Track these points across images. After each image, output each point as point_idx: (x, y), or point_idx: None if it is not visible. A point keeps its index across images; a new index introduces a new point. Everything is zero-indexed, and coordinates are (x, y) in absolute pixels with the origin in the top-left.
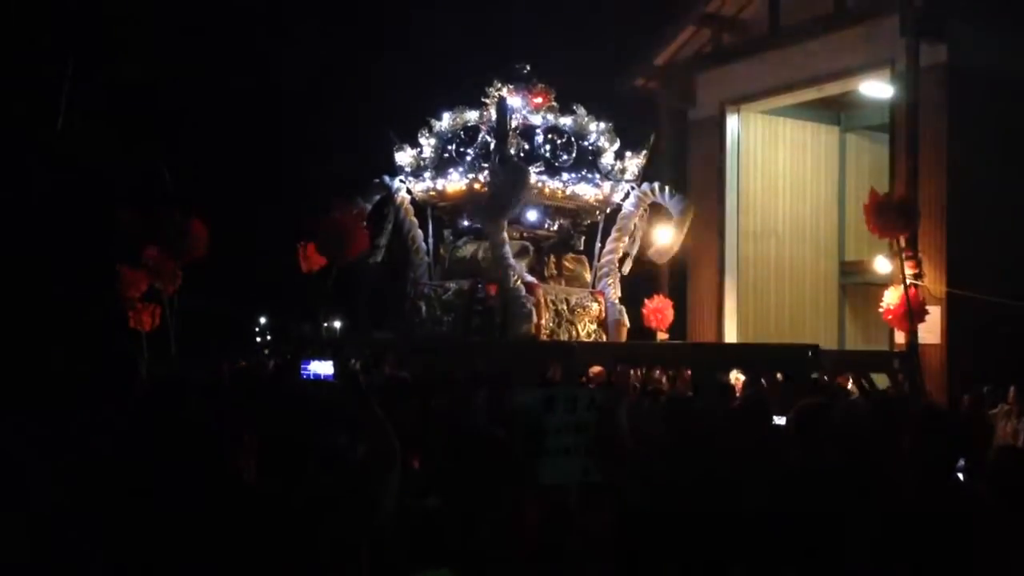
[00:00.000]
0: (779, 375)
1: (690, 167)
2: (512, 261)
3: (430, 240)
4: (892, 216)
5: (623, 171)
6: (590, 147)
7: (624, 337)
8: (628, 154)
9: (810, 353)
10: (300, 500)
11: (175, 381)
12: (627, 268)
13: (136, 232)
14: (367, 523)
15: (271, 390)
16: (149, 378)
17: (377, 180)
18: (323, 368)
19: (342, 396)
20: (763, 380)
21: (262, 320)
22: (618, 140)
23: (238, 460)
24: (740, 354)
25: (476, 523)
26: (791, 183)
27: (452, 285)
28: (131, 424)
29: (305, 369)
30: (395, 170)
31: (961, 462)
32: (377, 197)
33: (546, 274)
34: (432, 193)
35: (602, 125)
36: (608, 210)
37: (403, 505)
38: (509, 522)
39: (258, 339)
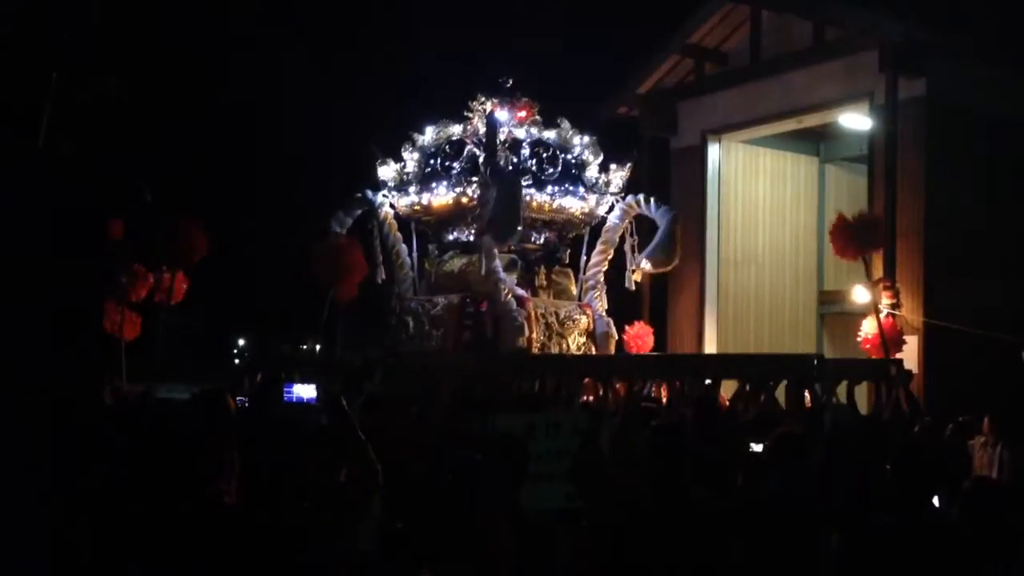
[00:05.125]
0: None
1: (671, 195)
2: (503, 275)
3: (414, 255)
4: (856, 234)
5: (607, 184)
6: (574, 160)
7: (613, 349)
8: (612, 167)
9: (815, 363)
10: (281, 522)
11: (156, 403)
12: (631, 283)
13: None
14: (347, 545)
15: (254, 413)
16: (126, 397)
17: (359, 195)
18: (306, 391)
19: (325, 419)
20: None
21: (240, 341)
22: (601, 153)
23: (218, 482)
24: (743, 365)
25: (451, 547)
26: (771, 212)
27: (441, 300)
28: (111, 444)
29: (288, 392)
30: (378, 184)
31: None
32: (359, 212)
33: (537, 284)
34: (417, 207)
35: (586, 138)
36: (593, 223)
37: (383, 527)
38: (486, 547)
39: (236, 360)
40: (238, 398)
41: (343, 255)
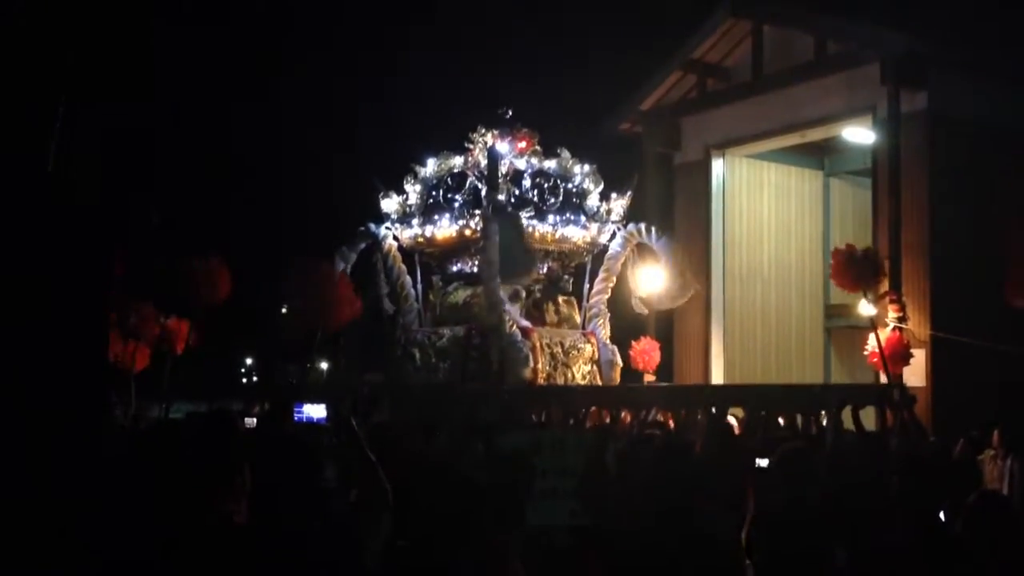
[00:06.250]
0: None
1: (675, 211)
2: (507, 306)
3: (418, 286)
4: (856, 267)
5: (609, 212)
6: (575, 190)
7: (618, 377)
8: (613, 195)
9: (818, 391)
10: (289, 542)
11: (166, 423)
12: (643, 308)
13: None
14: (356, 566)
15: (264, 432)
16: (135, 420)
17: (362, 228)
18: (316, 411)
19: (335, 440)
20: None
21: (248, 360)
22: (602, 182)
23: (228, 501)
24: (748, 395)
25: (458, 565)
26: (776, 227)
27: (446, 332)
28: (116, 467)
29: (299, 412)
30: (381, 217)
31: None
32: (363, 245)
33: (544, 317)
34: (420, 239)
35: (586, 167)
36: (595, 251)
37: (391, 547)
38: (493, 565)
39: (243, 379)
40: (245, 419)
41: (325, 290)
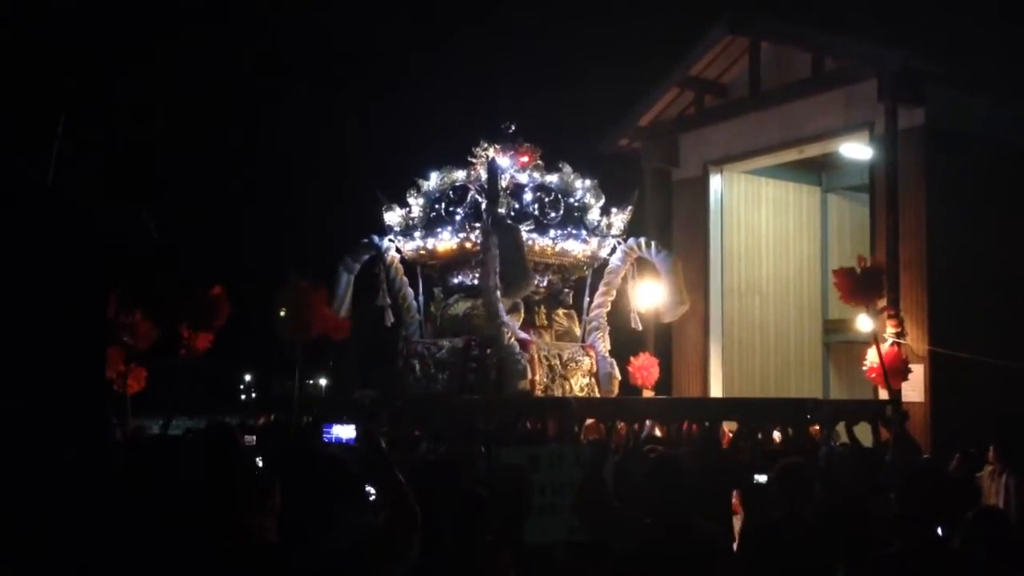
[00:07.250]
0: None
1: (674, 226)
2: (506, 318)
3: (420, 298)
4: (861, 283)
5: (609, 227)
6: (576, 204)
7: (616, 390)
8: (614, 210)
9: (810, 406)
10: (318, 563)
11: (167, 439)
12: (639, 324)
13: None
14: None
15: (293, 451)
16: (135, 433)
17: (366, 240)
18: (345, 432)
19: (364, 460)
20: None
21: (247, 376)
22: (603, 196)
23: (262, 519)
24: (743, 408)
25: None
26: (774, 242)
27: (446, 343)
28: (119, 479)
29: (327, 432)
30: (384, 230)
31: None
32: (366, 257)
33: (538, 324)
34: (422, 252)
35: (587, 182)
36: (596, 265)
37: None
38: None
39: (243, 396)
40: (245, 436)
41: (305, 309)
